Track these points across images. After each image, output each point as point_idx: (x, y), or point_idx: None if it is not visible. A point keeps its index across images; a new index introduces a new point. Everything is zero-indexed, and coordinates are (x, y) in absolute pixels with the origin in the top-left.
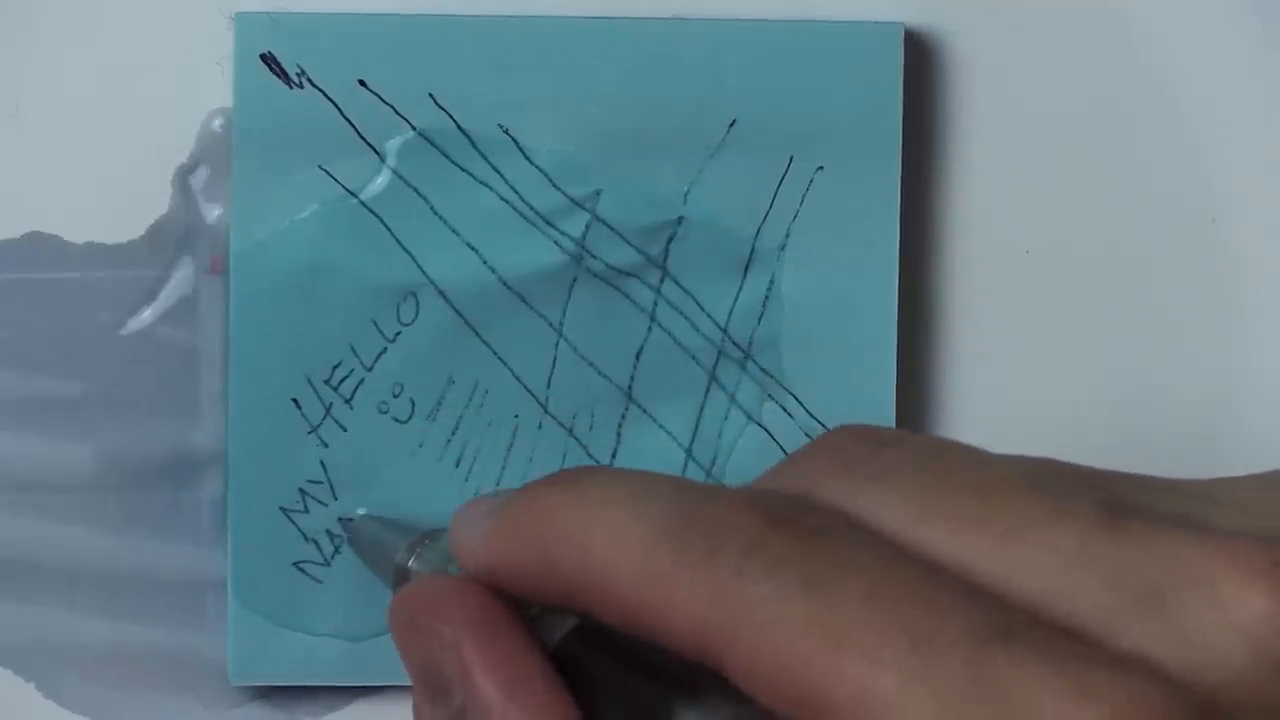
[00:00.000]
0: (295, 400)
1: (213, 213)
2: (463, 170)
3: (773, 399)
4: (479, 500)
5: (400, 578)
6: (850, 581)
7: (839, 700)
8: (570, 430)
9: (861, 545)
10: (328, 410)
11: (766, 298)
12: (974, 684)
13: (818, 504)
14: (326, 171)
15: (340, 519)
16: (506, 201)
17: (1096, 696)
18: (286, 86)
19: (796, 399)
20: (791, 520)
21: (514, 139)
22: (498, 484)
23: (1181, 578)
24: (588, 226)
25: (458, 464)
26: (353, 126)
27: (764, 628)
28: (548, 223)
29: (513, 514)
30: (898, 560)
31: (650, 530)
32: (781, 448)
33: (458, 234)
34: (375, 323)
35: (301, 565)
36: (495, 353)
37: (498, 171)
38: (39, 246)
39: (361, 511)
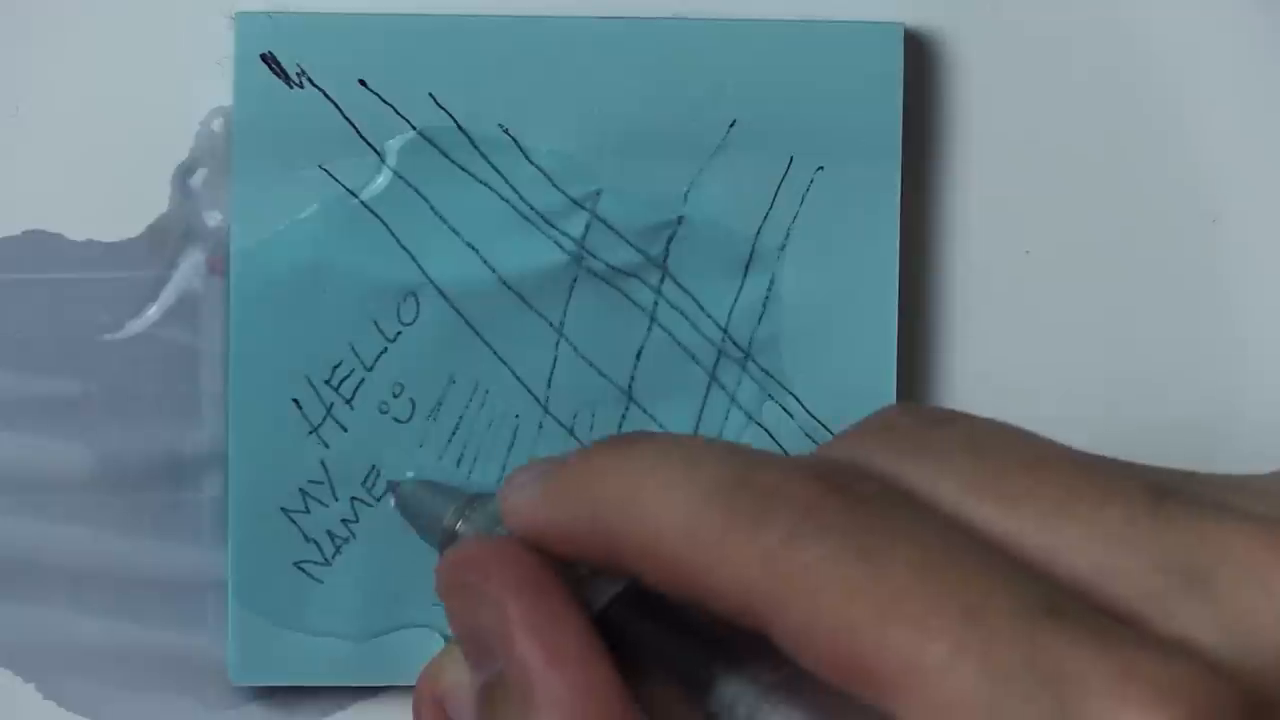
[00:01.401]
0: (296, 400)
1: (213, 212)
2: (463, 170)
3: (773, 399)
4: (531, 464)
5: (447, 540)
6: (901, 550)
7: (887, 668)
8: (571, 430)
9: (913, 515)
10: (328, 410)
11: (766, 298)
12: (1023, 658)
13: (871, 473)
14: (327, 171)
15: (388, 482)
16: (506, 201)
17: (1143, 678)
18: (286, 86)
19: (796, 399)
20: (844, 487)
21: (514, 139)
22: (497, 484)
23: (1227, 562)
24: (588, 226)
25: (458, 464)
26: (353, 126)
27: (813, 592)
28: (548, 223)
29: (565, 476)
30: (949, 532)
31: (702, 492)
32: (782, 448)
33: (458, 234)
34: (376, 323)
35: (302, 565)
36: (495, 353)
37: (498, 171)
38: (39, 246)
39: (410, 475)
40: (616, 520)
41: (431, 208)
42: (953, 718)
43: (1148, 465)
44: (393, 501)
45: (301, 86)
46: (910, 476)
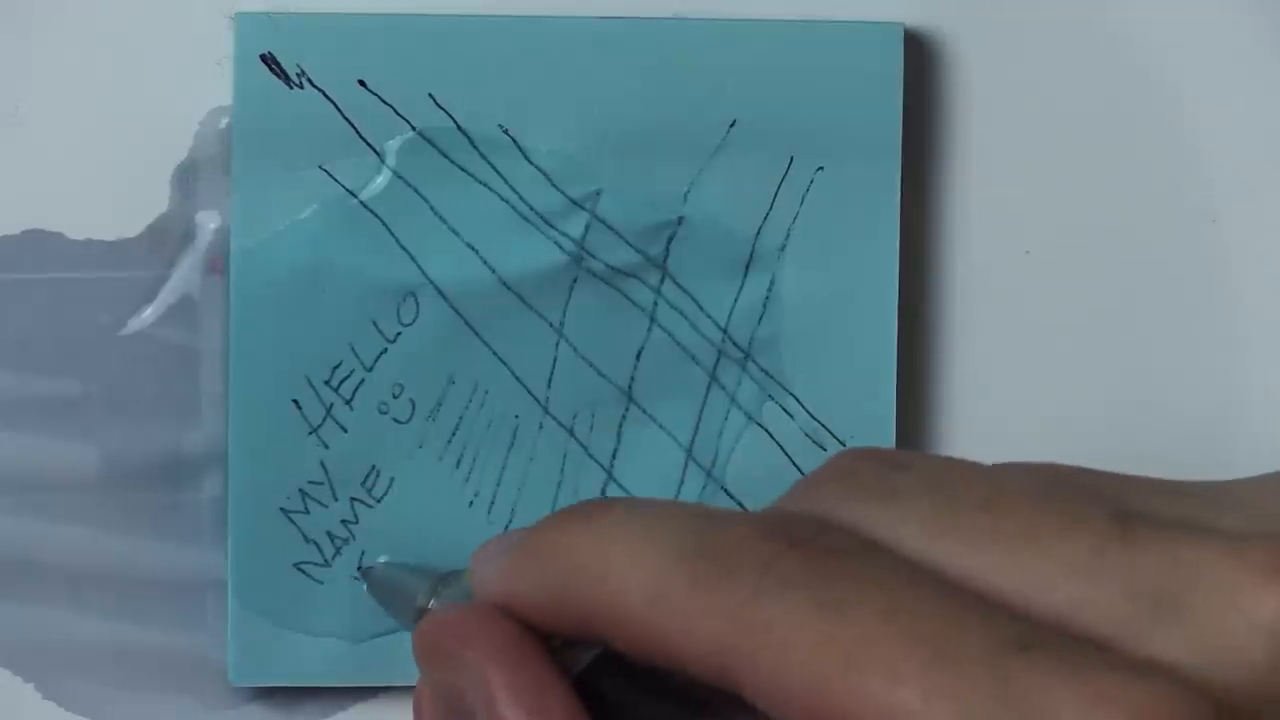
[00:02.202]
0: (295, 401)
1: (213, 213)
2: (463, 170)
3: (773, 399)
4: (497, 538)
5: (420, 619)
6: (868, 599)
7: (861, 716)
8: (570, 430)
9: (877, 564)
10: (328, 411)
11: (766, 298)
12: (997, 696)
13: (832, 524)
14: (326, 171)
15: (359, 567)
16: (506, 201)
17: (1117, 701)
18: (286, 86)
19: (796, 399)
20: (806, 540)
21: (514, 139)
22: (497, 485)
23: (1196, 582)
24: (588, 226)
25: (458, 464)
26: (353, 126)
27: (782, 647)
28: (548, 223)
29: (528, 548)
30: (914, 577)
31: (665, 556)
32: (781, 448)
33: (458, 234)
34: (375, 323)
35: (302, 566)
36: (495, 353)
37: (498, 171)
38: (39, 246)
39: (383, 560)
40: (584, 592)
41: (431, 208)
42: None
43: (1114, 479)
44: (365, 586)
45: (301, 87)
46: (872, 523)
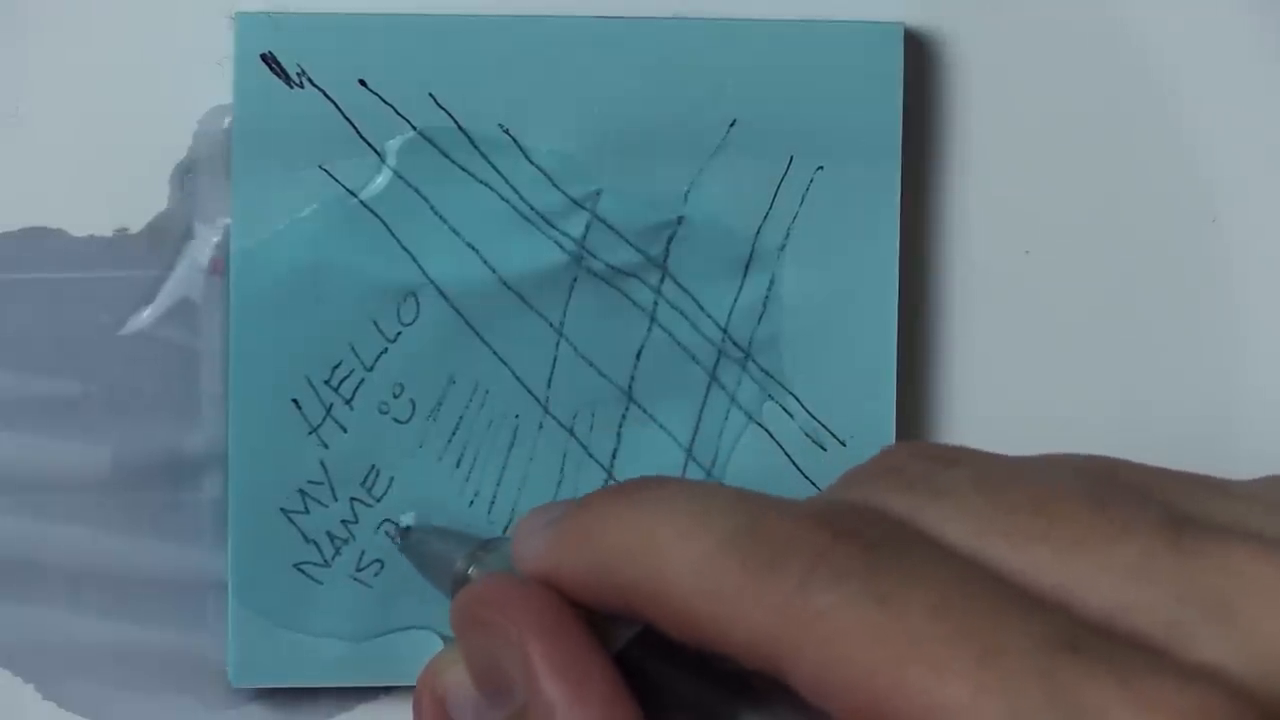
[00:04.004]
0: (295, 400)
1: (213, 213)
2: (463, 170)
3: (773, 399)
4: (542, 509)
5: (458, 585)
6: (917, 593)
7: (907, 712)
8: (570, 430)
9: (928, 558)
10: (328, 411)
11: (766, 298)
12: (1044, 695)
13: (884, 516)
14: (327, 171)
15: (397, 527)
16: (507, 201)
17: (1166, 706)
18: (286, 86)
19: (796, 399)
20: (856, 531)
21: (514, 139)
22: (497, 485)
23: (1247, 588)
24: (588, 226)
25: (458, 464)
26: (353, 126)
27: (829, 639)
28: (548, 223)
29: (574, 522)
30: (965, 573)
31: (714, 541)
32: (782, 448)
33: (458, 234)
34: (375, 323)
35: (302, 566)
36: (495, 353)
37: (498, 171)
38: (39, 246)
39: (411, 515)
40: (628, 570)
41: (431, 208)
42: None
43: (1161, 477)
44: (400, 545)
45: (301, 86)
46: (921, 518)
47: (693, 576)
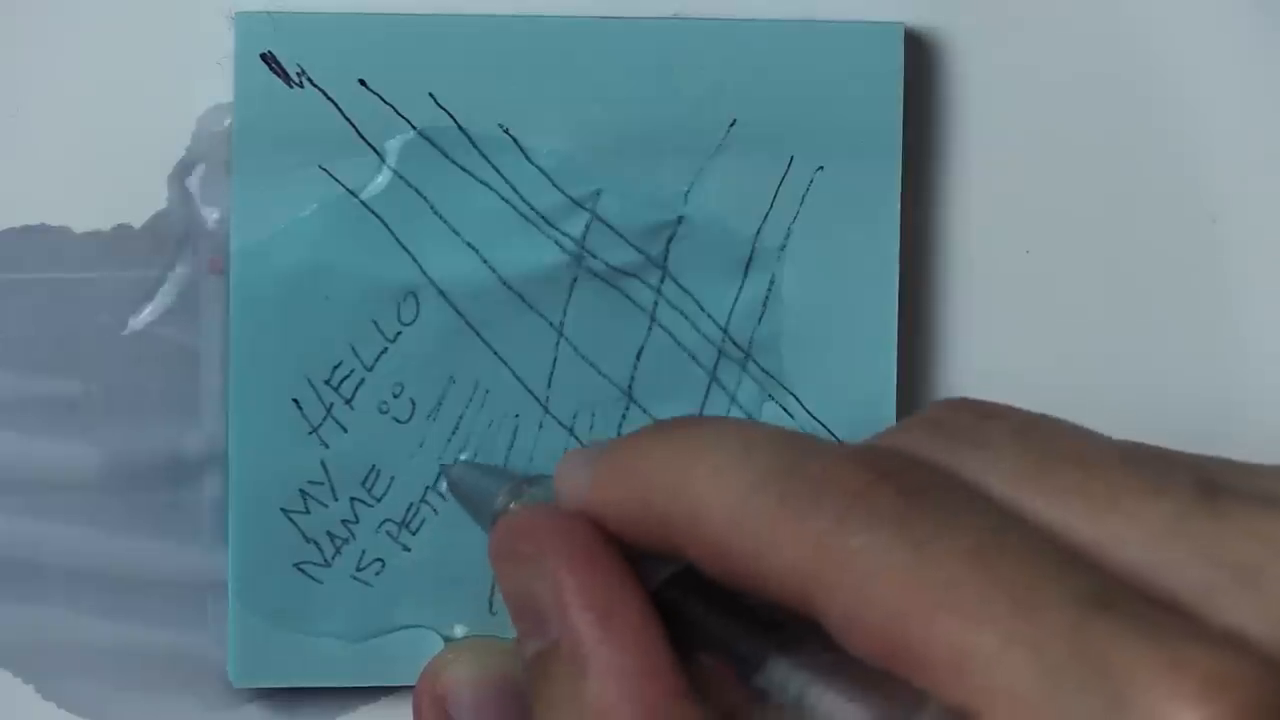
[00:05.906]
0: (295, 400)
1: (213, 212)
2: (463, 170)
3: (773, 399)
4: (584, 447)
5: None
6: (954, 539)
7: (936, 656)
8: (571, 430)
9: (966, 504)
10: (328, 410)
11: (766, 298)
12: (1074, 649)
13: (922, 463)
14: (327, 171)
15: (440, 465)
16: (506, 201)
17: (1192, 669)
18: (286, 86)
19: (796, 399)
20: (895, 474)
21: (514, 139)
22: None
23: (1277, 555)
24: (588, 226)
25: None
26: (353, 126)
27: (863, 579)
28: (548, 223)
29: (617, 457)
30: (1002, 522)
31: (754, 478)
32: None
33: (458, 234)
34: (375, 323)
35: (302, 566)
36: (495, 353)
37: (498, 171)
38: (39, 246)
39: (462, 457)
40: (668, 504)
41: (431, 208)
42: (1003, 706)
43: (1196, 456)
44: (444, 484)
45: (301, 86)
46: (960, 467)
47: (730, 511)
